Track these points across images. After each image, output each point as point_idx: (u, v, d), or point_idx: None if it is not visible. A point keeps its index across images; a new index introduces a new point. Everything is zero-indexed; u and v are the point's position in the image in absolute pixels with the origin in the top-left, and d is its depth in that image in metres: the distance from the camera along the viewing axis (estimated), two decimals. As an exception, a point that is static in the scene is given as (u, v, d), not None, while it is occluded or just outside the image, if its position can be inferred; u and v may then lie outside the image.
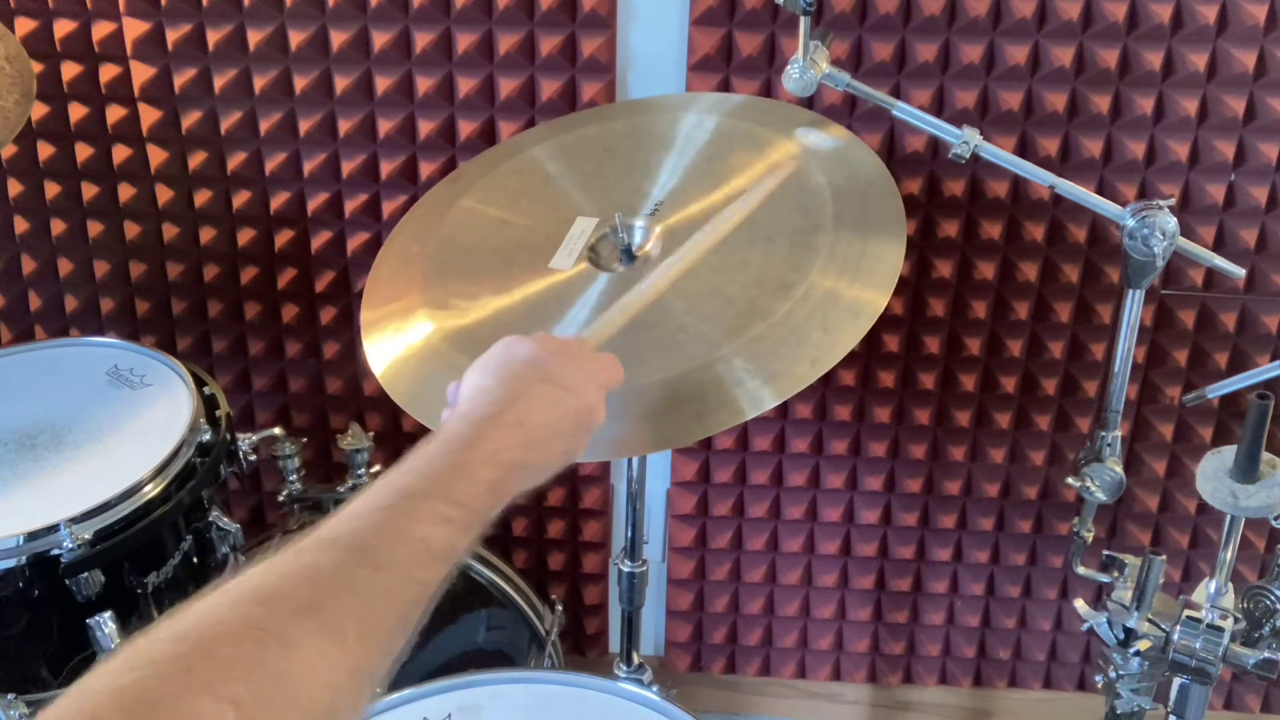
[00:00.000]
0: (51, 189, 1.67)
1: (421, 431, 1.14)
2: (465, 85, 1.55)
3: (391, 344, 1.15)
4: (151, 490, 1.26)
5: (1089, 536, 1.32)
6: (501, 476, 0.73)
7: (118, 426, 1.34)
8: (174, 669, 0.50)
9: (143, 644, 0.52)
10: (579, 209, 1.22)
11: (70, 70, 1.59)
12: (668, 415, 1.02)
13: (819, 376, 1.03)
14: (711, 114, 1.33)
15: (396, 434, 1.78)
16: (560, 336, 0.92)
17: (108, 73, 1.58)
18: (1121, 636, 1.23)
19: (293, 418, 1.79)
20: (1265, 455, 1.08)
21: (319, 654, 0.55)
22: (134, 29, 1.55)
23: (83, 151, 1.64)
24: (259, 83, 1.57)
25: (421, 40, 1.52)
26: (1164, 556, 1.18)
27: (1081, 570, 1.32)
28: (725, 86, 1.51)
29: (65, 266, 1.72)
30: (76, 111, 1.62)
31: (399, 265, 1.25)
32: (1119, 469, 1.26)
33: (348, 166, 1.61)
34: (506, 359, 0.84)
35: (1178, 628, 1.15)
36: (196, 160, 1.63)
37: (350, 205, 1.64)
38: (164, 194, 1.66)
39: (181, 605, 0.54)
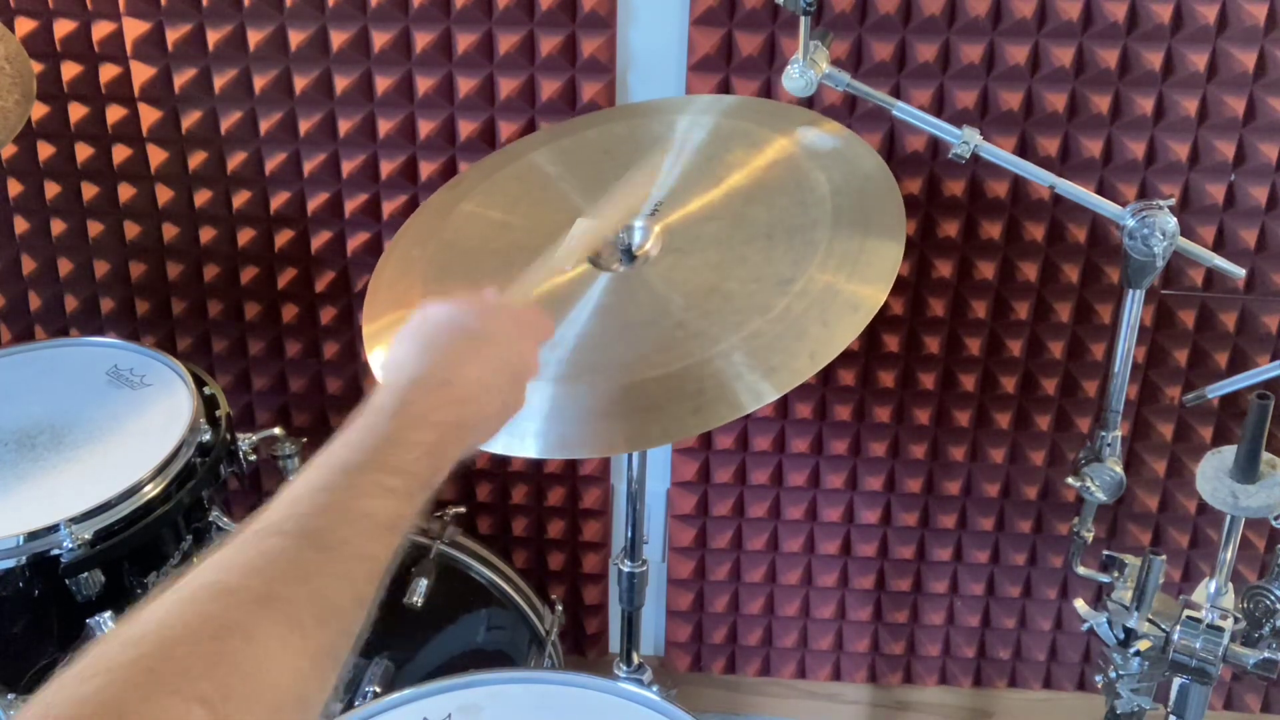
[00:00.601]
0: (51, 189, 1.67)
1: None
2: (465, 85, 1.55)
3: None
4: (151, 490, 1.26)
5: (1089, 536, 1.32)
6: (438, 438, 0.71)
7: (118, 426, 1.34)
8: (134, 672, 0.50)
9: (98, 651, 0.51)
10: (579, 211, 1.23)
11: (70, 70, 1.59)
12: (667, 410, 1.02)
13: (818, 370, 1.03)
14: (708, 114, 1.33)
15: (396, 434, 1.78)
16: (483, 295, 0.89)
17: (108, 73, 1.59)
18: (1121, 636, 1.23)
19: (293, 418, 1.79)
20: (1265, 455, 1.08)
21: (280, 643, 0.55)
22: (134, 29, 1.55)
23: (83, 151, 1.64)
24: (259, 83, 1.57)
25: (421, 40, 1.52)
26: (1164, 556, 1.18)
27: (1081, 570, 1.32)
28: (725, 86, 1.52)
29: (65, 266, 1.72)
30: (76, 111, 1.62)
31: (400, 271, 1.25)
32: (1119, 469, 1.26)
33: (348, 166, 1.61)
34: (424, 323, 0.81)
35: (1178, 628, 1.15)
36: (196, 160, 1.63)
37: (350, 205, 1.64)
38: (164, 194, 1.66)
39: (133, 609, 0.53)
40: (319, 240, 1.67)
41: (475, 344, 0.80)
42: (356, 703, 1.26)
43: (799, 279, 1.08)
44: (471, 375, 0.77)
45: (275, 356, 1.75)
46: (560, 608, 1.62)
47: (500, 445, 1.05)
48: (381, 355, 1.16)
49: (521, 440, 1.05)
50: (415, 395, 0.73)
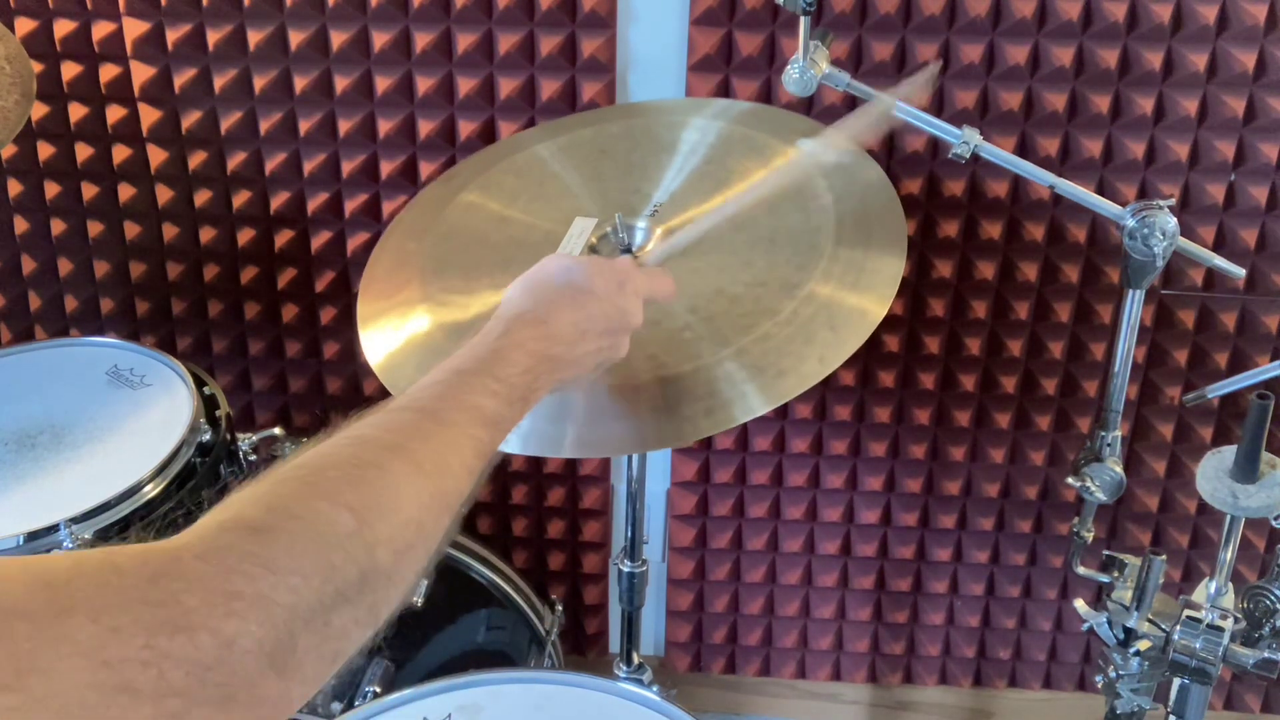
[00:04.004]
0: (51, 189, 1.67)
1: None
2: (465, 85, 1.55)
3: (388, 337, 1.15)
4: (151, 490, 1.26)
5: (1089, 536, 1.32)
6: (532, 363, 0.85)
7: (118, 426, 1.34)
8: (297, 484, 0.64)
9: (266, 475, 0.65)
10: (578, 208, 1.22)
11: (70, 70, 1.59)
12: (678, 412, 1.02)
13: (827, 374, 1.03)
14: (715, 120, 1.33)
15: (396, 434, 1.78)
16: (608, 260, 1.00)
17: (108, 73, 1.59)
18: (1121, 636, 1.23)
19: (293, 418, 1.79)
20: (1265, 455, 1.08)
21: (405, 478, 0.68)
22: (134, 29, 1.55)
23: (83, 151, 1.64)
24: (259, 83, 1.57)
25: (421, 40, 1.52)
26: (1164, 556, 1.18)
27: (1081, 570, 1.32)
28: (725, 86, 1.52)
29: (65, 266, 1.72)
30: (76, 111, 1.62)
31: (395, 263, 1.25)
32: (1119, 469, 1.25)
33: (348, 166, 1.61)
34: (539, 273, 0.95)
35: (1178, 628, 1.15)
36: (196, 160, 1.63)
37: (350, 205, 1.64)
38: (164, 194, 1.66)
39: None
40: (319, 240, 1.67)
41: (576, 294, 0.92)
42: (357, 703, 1.26)
43: (805, 284, 1.08)
44: (566, 319, 0.90)
45: (275, 356, 1.75)
46: (560, 608, 1.62)
47: (514, 445, 1.05)
48: (378, 348, 1.16)
49: (530, 441, 1.05)
50: (516, 326, 0.87)
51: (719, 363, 1.03)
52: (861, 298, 1.07)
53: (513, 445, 1.05)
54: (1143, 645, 1.22)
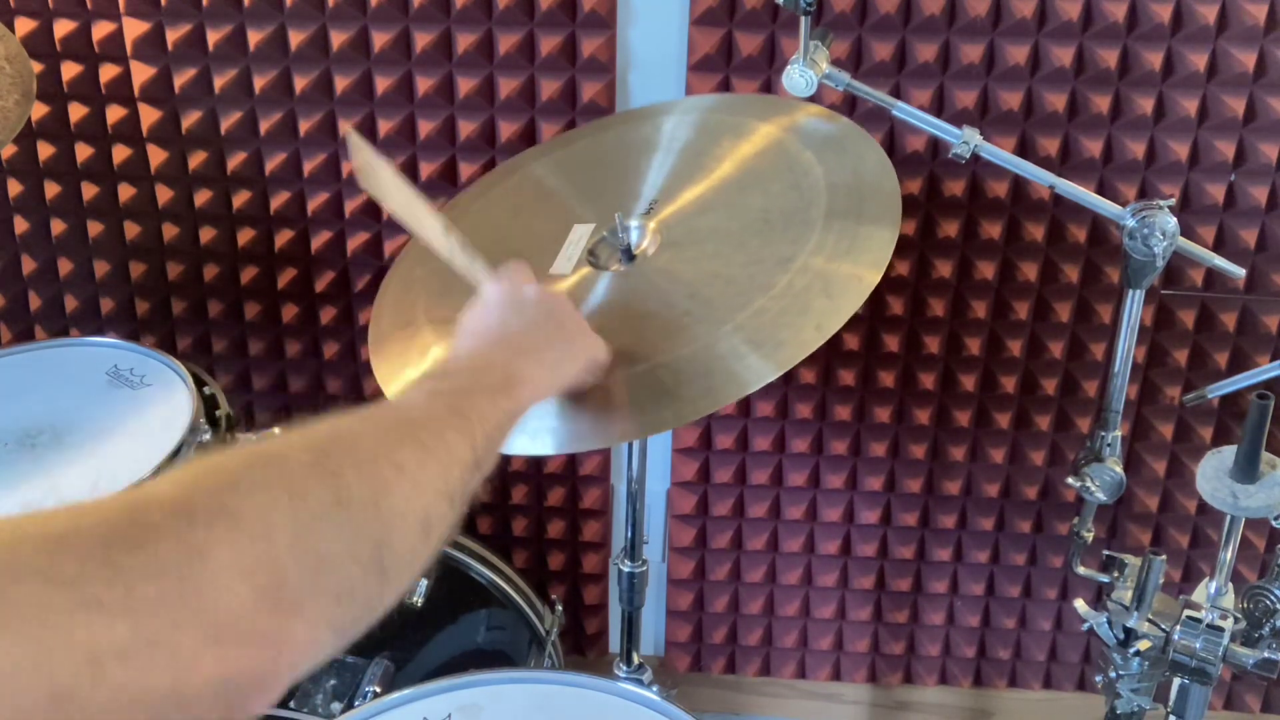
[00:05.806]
0: (51, 189, 1.67)
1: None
2: (465, 85, 1.55)
3: (400, 366, 1.16)
4: (151, 490, 1.25)
5: (1089, 536, 1.32)
6: (489, 354, 0.88)
7: (118, 426, 1.34)
8: (253, 445, 0.62)
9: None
10: (576, 218, 1.23)
11: (70, 70, 1.59)
12: (677, 394, 1.02)
13: (824, 341, 1.02)
14: (692, 112, 1.33)
15: (396, 434, 1.78)
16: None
17: (108, 73, 1.59)
18: (1121, 636, 1.23)
19: (293, 418, 1.79)
20: (1265, 455, 1.08)
21: (367, 430, 0.68)
22: (134, 29, 1.55)
23: (83, 151, 1.64)
24: (259, 83, 1.57)
25: (421, 40, 1.52)
26: (1164, 556, 1.18)
27: (1081, 570, 1.32)
28: (725, 86, 1.52)
29: (65, 266, 1.72)
30: (76, 111, 1.62)
31: (402, 290, 1.26)
32: (1119, 469, 1.25)
33: (348, 166, 1.61)
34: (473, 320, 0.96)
35: (1178, 628, 1.15)
36: (196, 160, 1.63)
37: (350, 205, 1.64)
38: (164, 194, 1.66)
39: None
40: (319, 240, 1.67)
41: (504, 311, 0.95)
42: (356, 703, 1.26)
43: (800, 256, 1.08)
44: (494, 320, 0.93)
45: (275, 356, 1.75)
46: (560, 608, 1.62)
47: (517, 446, 1.05)
48: (390, 373, 1.17)
49: (534, 439, 1.05)
50: (460, 337, 0.92)
51: (716, 341, 1.03)
52: (855, 264, 1.07)
53: (517, 445, 1.05)
54: (1143, 645, 1.22)
